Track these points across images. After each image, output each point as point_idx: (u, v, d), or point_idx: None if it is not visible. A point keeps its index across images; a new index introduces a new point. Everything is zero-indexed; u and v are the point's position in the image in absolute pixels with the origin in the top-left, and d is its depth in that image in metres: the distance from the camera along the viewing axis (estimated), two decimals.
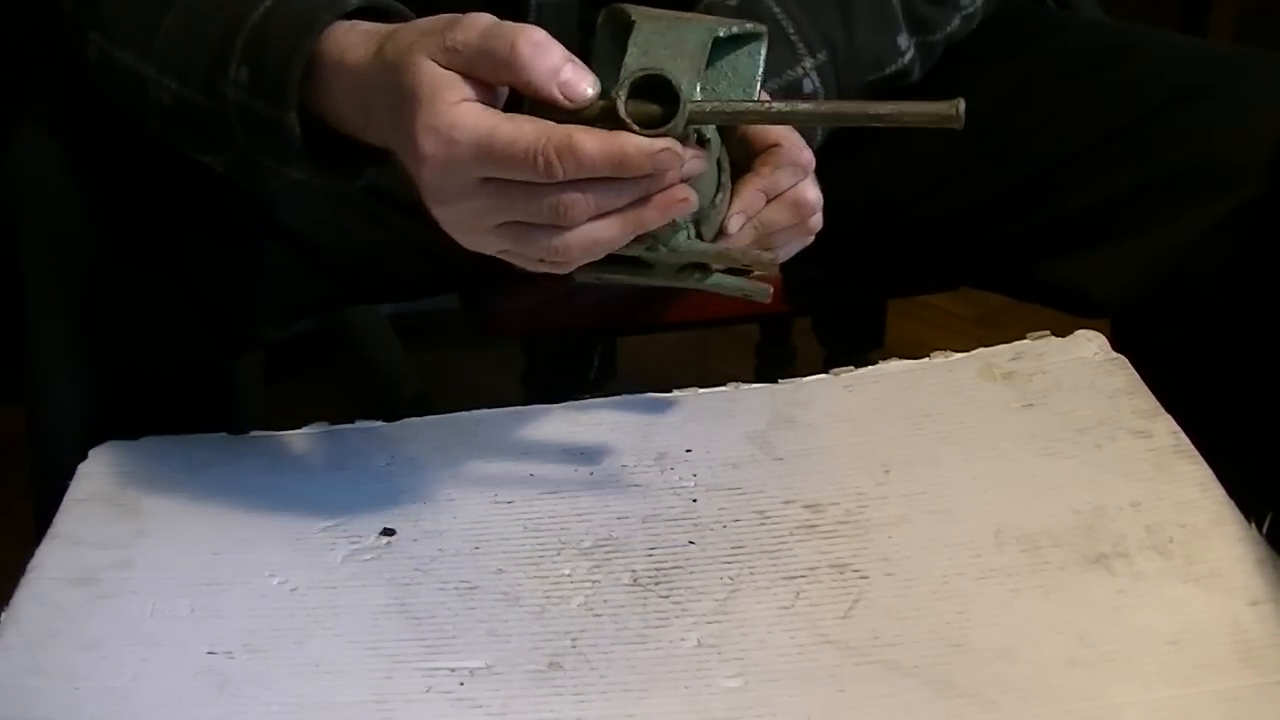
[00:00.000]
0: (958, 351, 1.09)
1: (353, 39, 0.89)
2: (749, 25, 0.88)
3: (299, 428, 1.06)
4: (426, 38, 0.83)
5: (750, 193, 0.93)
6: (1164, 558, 0.87)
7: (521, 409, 1.08)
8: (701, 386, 1.09)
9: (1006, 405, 1.03)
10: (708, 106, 0.83)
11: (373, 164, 0.94)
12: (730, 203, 0.93)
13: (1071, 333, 1.08)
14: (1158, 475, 0.94)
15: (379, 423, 1.07)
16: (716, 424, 1.04)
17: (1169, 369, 1.04)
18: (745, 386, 1.08)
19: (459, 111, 0.81)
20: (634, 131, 0.82)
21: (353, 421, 1.07)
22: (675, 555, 0.92)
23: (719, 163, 0.92)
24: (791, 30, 1.06)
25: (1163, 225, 1.09)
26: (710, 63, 0.86)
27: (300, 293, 1.18)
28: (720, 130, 0.91)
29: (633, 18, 0.85)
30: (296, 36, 0.89)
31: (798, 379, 1.08)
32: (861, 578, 0.88)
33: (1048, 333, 1.09)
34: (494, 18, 0.83)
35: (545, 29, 1.06)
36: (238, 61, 0.92)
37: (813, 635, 0.85)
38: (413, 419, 1.07)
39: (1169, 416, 0.98)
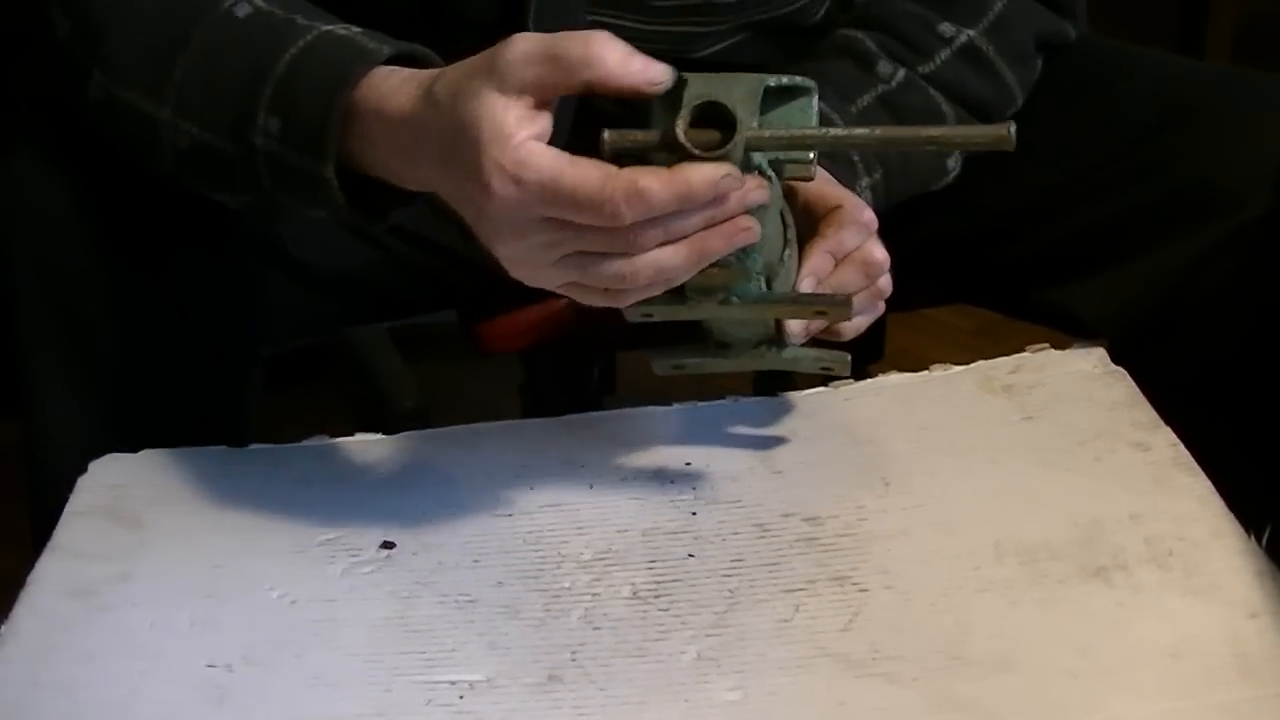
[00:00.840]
0: (957, 364, 1.09)
1: (393, 84, 0.89)
2: (798, 79, 0.89)
3: (298, 441, 1.06)
4: (479, 70, 0.83)
5: (818, 255, 0.95)
6: (1163, 570, 0.87)
7: (521, 422, 1.09)
8: (700, 399, 1.09)
9: (1005, 418, 1.03)
10: (766, 133, 0.84)
11: (402, 205, 0.94)
12: (799, 266, 0.94)
13: (1070, 346, 1.08)
14: (1157, 488, 0.94)
15: (378, 436, 1.07)
16: (716, 437, 1.04)
17: (1163, 387, 1.05)
18: (744, 399, 1.09)
19: (526, 150, 0.81)
20: (694, 156, 0.82)
21: (352, 434, 1.07)
22: (675, 568, 0.92)
23: (782, 217, 0.92)
24: (854, 151, 1.08)
25: (1155, 249, 1.09)
26: (764, 114, 0.87)
27: (295, 314, 1.18)
28: (785, 195, 0.92)
29: (685, 78, 0.86)
30: (331, 89, 0.89)
31: (797, 392, 1.08)
32: (861, 590, 0.88)
33: (1047, 346, 1.09)
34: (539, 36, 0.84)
35: None
36: (266, 111, 0.92)
37: (812, 648, 0.85)
38: (412, 432, 1.07)
39: (1168, 429, 0.98)
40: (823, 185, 0.98)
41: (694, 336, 0.99)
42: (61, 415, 1.07)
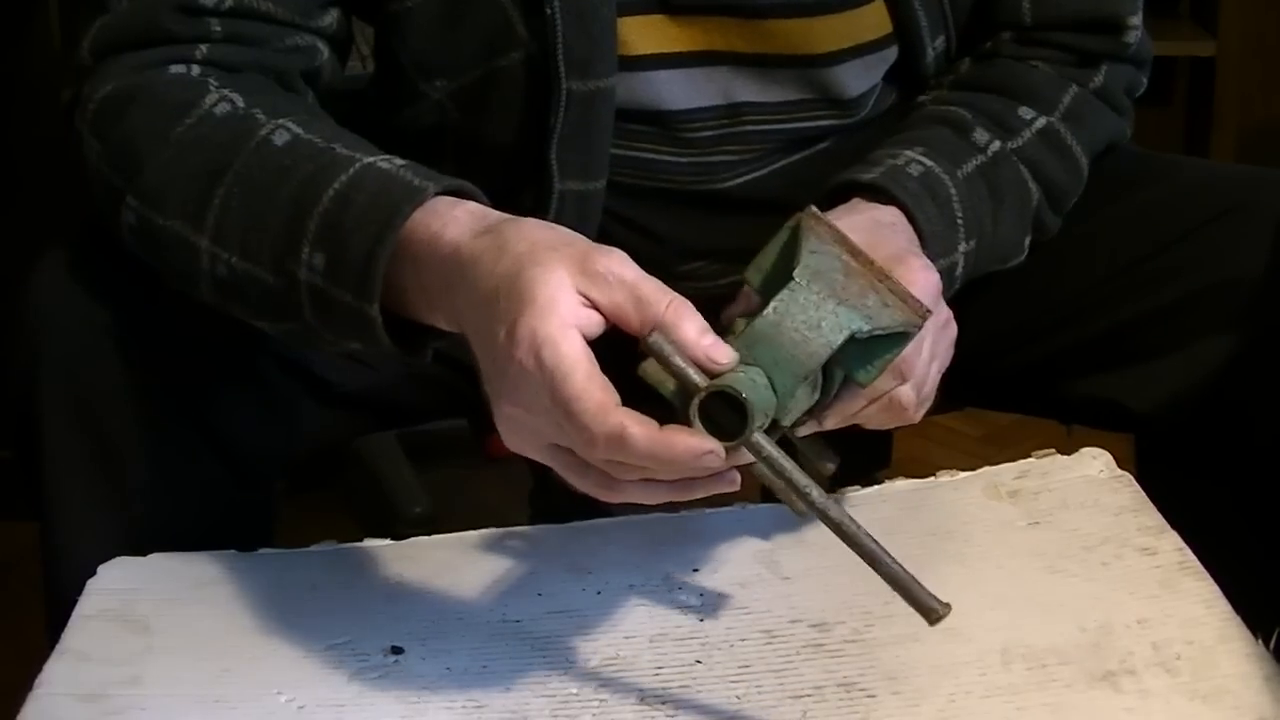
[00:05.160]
0: (964, 470, 1.09)
1: (455, 214, 0.89)
2: (901, 324, 0.86)
3: (307, 546, 1.06)
4: (567, 250, 0.83)
5: (851, 396, 0.93)
6: (1171, 674, 0.87)
7: (528, 529, 1.09)
8: (708, 506, 1.09)
9: (1012, 523, 1.03)
10: (763, 450, 0.82)
11: (439, 339, 0.94)
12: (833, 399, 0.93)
13: (1077, 451, 1.08)
14: (1164, 592, 0.94)
15: (387, 542, 1.07)
16: (723, 543, 1.04)
17: (1185, 486, 1.05)
18: (752, 506, 1.09)
19: (563, 334, 0.80)
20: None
21: (361, 540, 1.07)
22: (682, 674, 0.92)
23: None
24: (960, 215, 1.08)
25: (1200, 341, 1.10)
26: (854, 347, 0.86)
27: (316, 427, 1.18)
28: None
29: (798, 268, 0.85)
30: (379, 229, 0.89)
31: None
32: (869, 696, 0.88)
33: (1053, 451, 1.09)
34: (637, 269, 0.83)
35: (569, 218, 1.07)
36: (310, 246, 0.92)
37: None
38: (420, 538, 1.07)
39: (1174, 533, 0.99)
40: None
41: None
42: (80, 526, 1.07)
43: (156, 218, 0.99)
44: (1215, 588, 0.93)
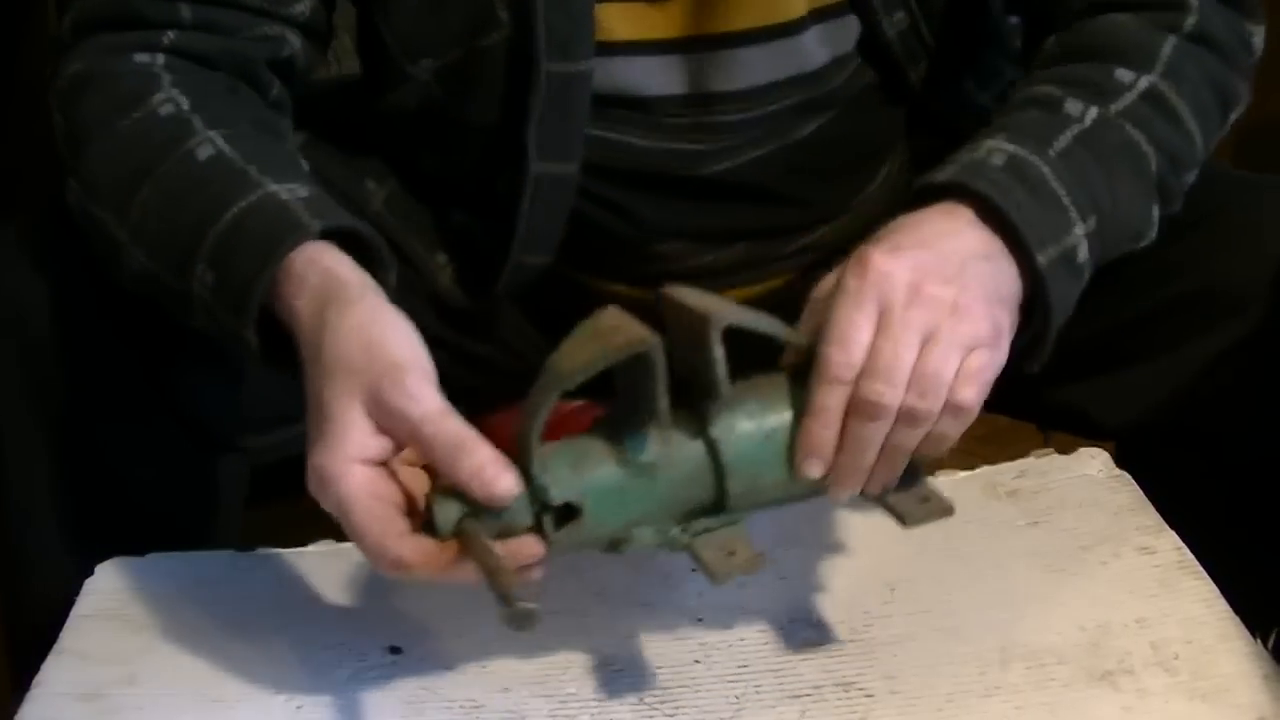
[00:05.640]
0: (962, 470, 1.09)
1: (312, 282, 0.90)
2: (615, 353, 0.84)
3: (304, 545, 1.06)
4: (362, 378, 0.85)
5: (804, 438, 0.88)
6: (1170, 674, 0.87)
7: None
8: None
9: (1011, 523, 1.03)
10: (473, 536, 0.84)
11: None
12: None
13: (1075, 450, 1.08)
14: (1163, 591, 0.94)
15: None
16: None
17: (1173, 488, 1.04)
18: None
19: (345, 471, 0.83)
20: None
21: None
22: (681, 674, 0.92)
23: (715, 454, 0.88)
24: (1064, 194, 0.99)
25: (1166, 353, 1.09)
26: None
27: (278, 401, 1.18)
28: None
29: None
30: (259, 260, 0.91)
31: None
32: (867, 696, 0.88)
33: (1052, 451, 1.09)
34: (432, 393, 0.85)
35: (542, 200, 1.08)
36: (204, 263, 0.94)
37: None
38: None
39: (1173, 533, 0.99)
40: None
41: None
42: (44, 515, 1.07)
43: (91, 204, 1.01)
44: (1214, 587, 0.93)
